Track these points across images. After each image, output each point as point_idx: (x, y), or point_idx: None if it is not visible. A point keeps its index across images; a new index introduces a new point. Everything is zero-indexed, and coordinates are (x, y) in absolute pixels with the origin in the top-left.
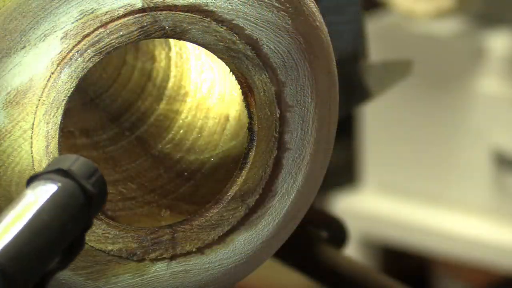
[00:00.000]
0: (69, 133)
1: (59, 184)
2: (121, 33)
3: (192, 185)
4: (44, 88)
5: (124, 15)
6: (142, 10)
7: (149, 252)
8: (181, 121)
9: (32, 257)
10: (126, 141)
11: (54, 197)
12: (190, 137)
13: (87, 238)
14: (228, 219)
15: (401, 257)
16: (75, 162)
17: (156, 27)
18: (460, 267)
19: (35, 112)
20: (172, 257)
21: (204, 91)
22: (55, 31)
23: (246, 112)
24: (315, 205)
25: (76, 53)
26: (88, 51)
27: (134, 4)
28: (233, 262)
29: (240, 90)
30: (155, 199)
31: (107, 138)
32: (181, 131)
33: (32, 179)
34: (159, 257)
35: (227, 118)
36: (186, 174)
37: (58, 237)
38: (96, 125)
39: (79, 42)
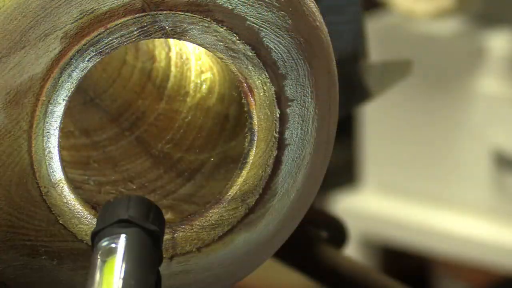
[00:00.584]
0: (69, 133)
1: (128, 238)
2: (121, 33)
3: (192, 185)
4: (44, 88)
5: (124, 15)
6: (142, 10)
7: None
8: (181, 121)
9: None
10: (126, 141)
11: (129, 255)
12: (190, 137)
13: (86, 238)
14: (228, 219)
15: (401, 257)
16: (130, 205)
17: (156, 27)
18: (460, 267)
19: (35, 112)
20: (172, 257)
21: (204, 91)
22: (55, 31)
23: (246, 112)
24: (315, 205)
25: (76, 53)
26: (88, 51)
27: (134, 4)
28: (233, 262)
29: (240, 90)
30: (155, 199)
31: (107, 138)
32: (181, 131)
33: (95, 236)
34: None
35: (227, 118)
36: (186, 174)
37: None
38: (96, 125)
39: (79, 42)
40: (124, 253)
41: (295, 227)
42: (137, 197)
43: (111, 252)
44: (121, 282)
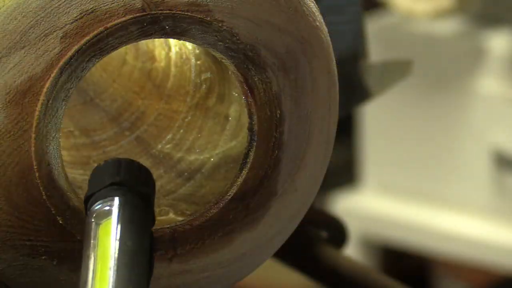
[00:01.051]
0: (69, 133)
1: (121, 200)
2: (121, 33)
3: (192, 185)
4: (44, 88)
5: (124, 15)
6: (142, 10)
7: None
8: (180, 121)
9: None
10: (126, 141)
11: (124, 217)
12: (190, 137)
13: None
14: (228, 219)
15: (401, 257)
16: (121, 168)
17: (156, 27)
18: (460, 267)
19: (35, 112)
20: (172, 257)
21: (204, 91)
22: (55, 31)
23: (246, 112)
24: (315, 205)
25: (76, 53)
26: (88, 51)
27: (134, 4)
28: (233, 262)
29: (240, 90)
30: (155, 199)
31: (107, 138)
32: (181, 131)
33: (88, 200)
34: (159, 257)
35: (227, 118)
36: (186, 174)
37: (144, 252)
38: (96, 125)
39: (79, 42)
40: (118, 215)
41: (295, 227)
42: (126, 160)
43: (105, 214)
44: (117, 243)
